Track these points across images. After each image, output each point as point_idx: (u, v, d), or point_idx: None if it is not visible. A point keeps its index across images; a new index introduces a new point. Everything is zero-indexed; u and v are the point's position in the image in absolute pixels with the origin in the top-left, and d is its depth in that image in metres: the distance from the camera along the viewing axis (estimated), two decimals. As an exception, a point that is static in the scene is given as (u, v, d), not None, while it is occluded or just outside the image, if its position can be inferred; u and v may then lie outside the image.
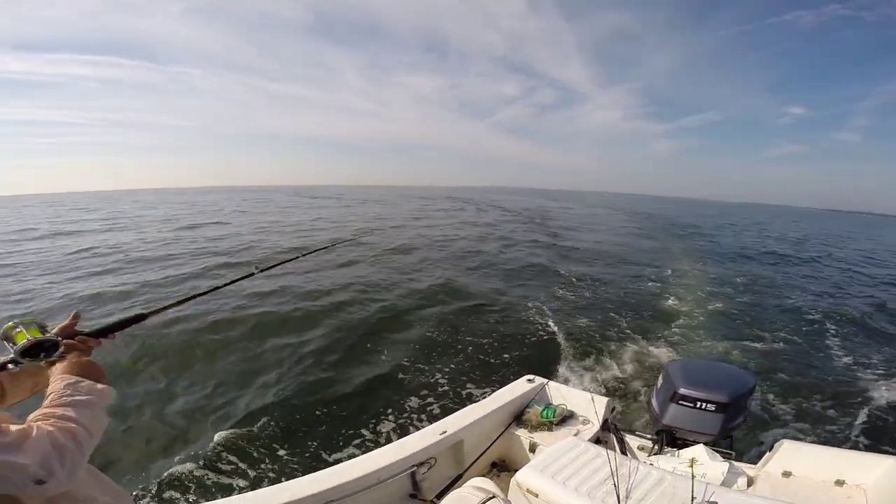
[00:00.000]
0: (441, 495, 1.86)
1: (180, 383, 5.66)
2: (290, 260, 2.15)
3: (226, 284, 1.66)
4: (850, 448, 2.80)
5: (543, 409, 3.09)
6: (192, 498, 3.72)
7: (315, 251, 2.45)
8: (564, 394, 3.29)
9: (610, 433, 3.08)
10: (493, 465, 3.02)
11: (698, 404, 2.81)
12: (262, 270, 1.71)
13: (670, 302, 10.48)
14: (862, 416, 5.21)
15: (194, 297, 1.51)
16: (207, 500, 1.86)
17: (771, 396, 5.57)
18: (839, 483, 2.28)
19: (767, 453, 2.61)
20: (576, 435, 2.85)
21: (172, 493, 3.74)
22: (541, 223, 28.35)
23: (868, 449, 4.41)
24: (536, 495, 1.93)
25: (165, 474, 3.93)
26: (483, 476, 1.58)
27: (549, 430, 2.99)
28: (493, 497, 1.28)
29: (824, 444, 2.53)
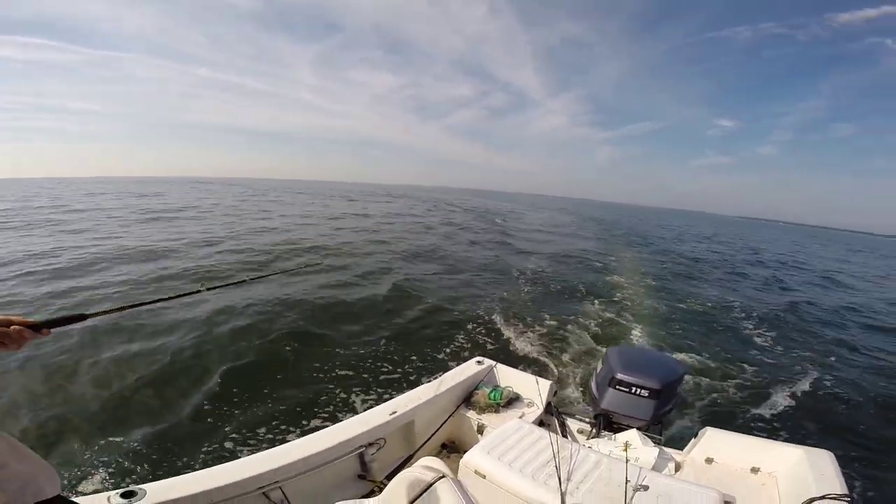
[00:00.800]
0: (391, 476, 1.87)
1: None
2: (239, 283, 2.31)
3: (170, 298, 1.71)
4: (765, 436, 3.07)
5: (491, 391, 3.17)
6: (133, 478, 3.57)
7: (263, 277, 2.52)
8: (511, 376, 3.38)
9: (552, 416, 3.21)
10: (444, 446, 3.06)
11: (633, 389, 2.93)
12: (209, 289, 1.74)
13: (610, 279, 11.50)
14: (775, 406, 5.71)
15: (138, 305, 1.59)
16: (146, 482, 1.76)
17: (697, 384, 6.04)
18: (754, 470, 2.46)
19: (693, 440, 2.77)
20: (521, 417, 2.94)
21: (97, 483, 3.55)
22: (491, 222, 29.35)
23: (781, 438, 4.82)
24: (484, 476, 1.99)
25: (103, 458, 3.75)
26: (433, 457, 1.60)
27: (497, 411, 3.07)
28: (443, 477, 1.29)
29: (742, 433, 2.73)
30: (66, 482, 3.41)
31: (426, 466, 1.32)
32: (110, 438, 4.04)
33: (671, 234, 36.44)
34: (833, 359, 7.81)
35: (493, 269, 12.59)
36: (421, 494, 1.21)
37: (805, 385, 6.43)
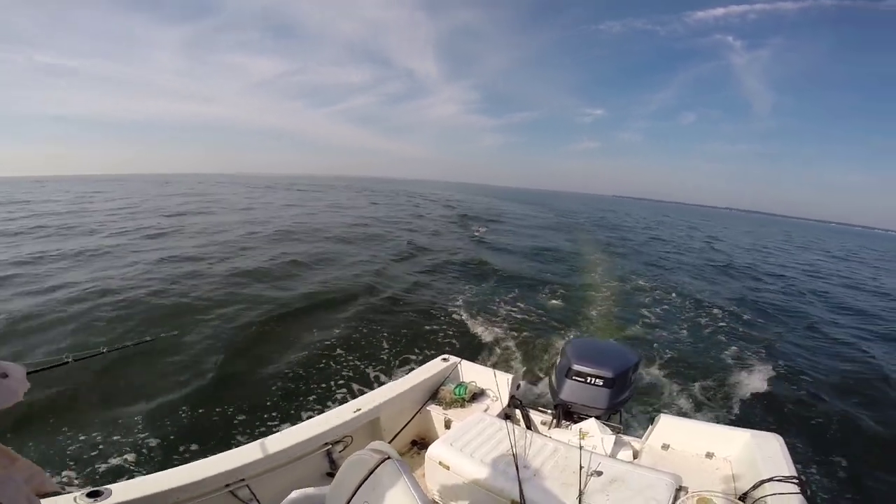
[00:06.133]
0: None
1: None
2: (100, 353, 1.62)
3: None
4: (716, 422, 3.24)
5: (456, 387, 3.25)
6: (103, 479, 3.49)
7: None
8: (476, 372, 3.47)
9: (516, 408, 3.33)
10: (414, 442, 3.11)
11: (588, 380, 3.02)
12: (77, 360, 1.46)
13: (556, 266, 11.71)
14: (730, 391, 5.97)
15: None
16: (118, 481, 1.74)
17: (654, 371, 6.29)
18: (709, 455, 2.59)
19: (650, 426, 2.87)
20: (486, 411, 3.02)
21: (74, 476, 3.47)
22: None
23: (733, 422, 5.02)
24: (448, 467, 2.07)
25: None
26: (403, 454, 1.64)
27: (462, 406, 3.16)
28: (388, 458, 1.35)
29: (695, 419, 2.85)
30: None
31: (373, 449, 1.37)
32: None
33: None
34: (781, 342, 8.25)
35: (454, 270, 12.73)
36: (368, 476, 1.27)
37: (755, 369, 6.72)
